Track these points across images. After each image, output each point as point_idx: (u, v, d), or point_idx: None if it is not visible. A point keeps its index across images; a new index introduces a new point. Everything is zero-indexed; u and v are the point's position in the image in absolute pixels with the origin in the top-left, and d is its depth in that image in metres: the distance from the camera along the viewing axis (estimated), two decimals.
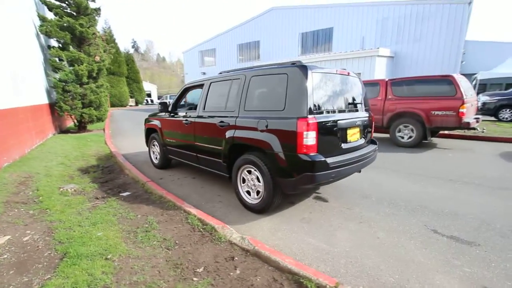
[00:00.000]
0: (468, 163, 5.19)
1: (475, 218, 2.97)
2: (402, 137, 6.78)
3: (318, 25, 19.02)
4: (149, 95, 45.72)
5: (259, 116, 2.96)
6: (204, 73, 26.72)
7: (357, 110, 3.29)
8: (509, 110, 10.68)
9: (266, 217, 3.07)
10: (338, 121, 2.91)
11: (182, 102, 4.96)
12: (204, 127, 3.75)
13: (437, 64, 14.85)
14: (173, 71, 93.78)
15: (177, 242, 2.46)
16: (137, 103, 35.83)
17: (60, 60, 8.23)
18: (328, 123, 2.79)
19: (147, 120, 5.46)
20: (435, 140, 7.47)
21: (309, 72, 2.71)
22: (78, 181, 4.34)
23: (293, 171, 2.70)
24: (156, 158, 5.23)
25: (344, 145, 3.01)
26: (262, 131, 2.89)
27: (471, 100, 6.41)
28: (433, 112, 6.25)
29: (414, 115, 6.52)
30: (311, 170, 2.61)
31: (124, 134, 9.98)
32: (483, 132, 7.48)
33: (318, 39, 19.33)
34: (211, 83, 3.82)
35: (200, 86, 4.24)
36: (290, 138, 2.67)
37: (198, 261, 2.18)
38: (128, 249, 2.32)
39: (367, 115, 3.49)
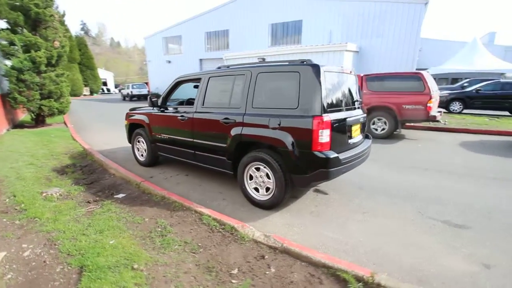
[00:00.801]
0: (436, 153, 5.80)
1: (457, 203, 3.37)
2: (376, 129, 7.29)
3: (287, 17, 19.16)
4: (104, 84, 42.27)
5: (270, 114, 2.96)
6: (169, 62, 25.45)
7: (356, 108, 3.46)
8: (459, 103, 12.05)
9: (275, 213, 3.13)
10: (347, 119, 3.05)
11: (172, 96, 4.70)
12: (205, 123, 3.63)
13: (397, 59, 16.03)
14: (130, 57, 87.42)
15: (199, 244, 2.41)
16: (92, 92, 32.97)
17: (12, 45, 7.16)
18: (339, 120, 2.90)
19: (129, 115, 5.10)
20: (402, 131, 8.17)
21: (322, 71, 2.77)
22: (58, 184, 3.93)
23: (308, 168, 2.79)
24: (142, 155, 4.94)
25: (350, 141, 3.17)
26: (274, 128, 2.91)
27: (436, 95, 7.11)
28: (404, 106, 6.81)
29: (387, 109, 7.03)
30: (326, 166, 2.72)
31: (89, 128, 9.20)
32: (445, 124, 8.37)
33: (288, 31, 19.53)
34: (210, 77, 3.69)
35: (196, 80, 4.07)
36: (305, 136, 2.73)
37: (229, 263, 2.16)
38: (152, 256, 2.21)
39: (364, 111, 3.69)
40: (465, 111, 12.20)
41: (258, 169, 3.18)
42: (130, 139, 5.17)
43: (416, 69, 16.77)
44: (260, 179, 3.18)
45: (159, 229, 2.66)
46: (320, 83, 2.73)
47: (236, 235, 2.53)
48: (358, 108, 3.49)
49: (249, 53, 17.51)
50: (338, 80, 3.10)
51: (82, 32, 69.84)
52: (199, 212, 2.92)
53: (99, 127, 9.50)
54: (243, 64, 3.59)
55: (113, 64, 63.59)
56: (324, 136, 2.69)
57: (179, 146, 4.08)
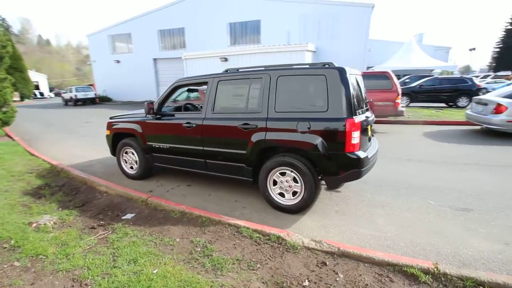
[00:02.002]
0: (409, 144, 6.44)
1: (451, 189, 3.79)
2: None
3: (246, 17, 19.18)
4: (37, 87, 37.03)
5: (297, 118, 2.94)
6: (118, 61, 23.45)
7: (367, 108, 3.64)
8: (406, 98, 13.54)
9: (303, 216, 3.13)
10: (368, 119, 3.19)
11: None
12: (218, 130, 3.44)
13: (350, 59, 17.22)
14: (63, 56, 78.08)
15: (253, 260, 2.28)
16: (22, 98, 28.60)
17: None
18: (364, 122, 3.02)
19: (111, 124, 4.56)
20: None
21: (348, 74, 2.85)
22: (41, 210, 3.33)
23: (340, 169, 2.85)
24: (132, 167, 4.47)
25: (369, 141, 3.33)
26: (303, 132, 2.89)
27: (400, 92, 7.88)
28: (376, 102, 7.39)
29: None
30: (358, 166, 2.81)
31: (42, 139, 8.01)
32: (408, 117, 9.32)
33: (247, 31, 19.57)
34: (219, 81, 3.50)
35: (198, 84, 3.84)
36: (337, 138, 2.78)
37: (295, 275, 2.10)
38: (212, 281, 2.01)
39: (372, 112, 3.90)
40: (411, 104, 13.78)
41: (283, 173, 3.13)
42: (114, 151, 4.63)
43: (367, 68, 18.43)
44: (286, 184, 3.14)
45: (199, 249, 2.44)
46: (348, 85, 2.80)
47: (285, 244, 2.46)
48: (368, 109, 3.68)
49: (211, 52, 17.10)
50: (356, 82, 3.22)
51: (1, 29, 59.98)
52: (234, 225, 2.76)
53: (54, 138, 8.30)
54: (256, 66, 3.48)
55: (45, 65, 55.97)
56: (356, 137, 2.77)
57: (185, 156, 3.80)
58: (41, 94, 37.62)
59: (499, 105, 6.42)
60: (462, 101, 12.98)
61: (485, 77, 28.27)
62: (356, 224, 2.93)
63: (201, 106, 4.83)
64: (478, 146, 6.01)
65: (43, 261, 2.31)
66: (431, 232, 2.75)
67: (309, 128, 2.87)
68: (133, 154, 4.38)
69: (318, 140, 2.83)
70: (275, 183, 3.22)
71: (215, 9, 19.68)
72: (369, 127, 3.45)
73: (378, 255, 2.19)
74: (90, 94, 21.29)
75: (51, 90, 43.57)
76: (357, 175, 2.86)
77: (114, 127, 4.51)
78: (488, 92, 15.24)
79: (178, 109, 4.50)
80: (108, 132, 4.66)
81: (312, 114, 2.89)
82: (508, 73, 41.02)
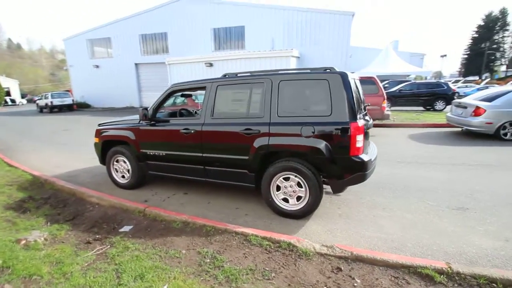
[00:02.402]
0: (397, 146, 6.64)
1: (444, 189, 3.93)
2: None
3: (230, 22, 19.24)
4: (8, 94, 34.93)
5: (300, 122, 2.93)
6: (97, 66, 22.67)
7: (366, 112, 3.70)
8: (387, 102, 14.03)
9: (307, 221, 3.10)
10: (369, 123, 3.24)
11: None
12: (218, 136, 3.36)
13: (332, 65, 17.67)
14: (36, 61, 74.32)
15: (267, 269, 2.21)
16: None
17: None
18: (366, 125, 3.06)
19: (100, 132, 4.34)
20: None
21: (350, 78, 2.89)
22: (27, 225, 3.08)
23: (345, 172, 2.86)
24: (124, 176, 4.27)
25: (368, 145, 3.38)
26: (307, 137, 2.89)
27: (386, 96, 8.15)
28: None
29: None
30: (363, 169, 2.84)
31: (17, 149, 7.55)
32: (393, 120, 9.64)
33: (231, 36, 19.61)
34: (218, 86, 3.43)
35: (195, 89, 3.76)
36: (342, 142, 2.79)
37: (312, 282, 2.05)
38: None
39: (369, 116, 3.97)
40: (391, 108, 14.30)
41: (287, 179, 3.10)
42: (104, 159, 4.40)
43: None
44: (290, 189, 3.11)
45: (208, 260, 2.34)
46: (350, 90, 2.83)
47: (296, 251, 2.41)
48: (366, 113, 3.75)
49: (195, 57, 16.94)
50: (355, 86, 3.27)
51: None
52: (241, 233, 2.68)
53: (31, 147, 7.80)
54: (256, 72, 3.45)
55: (16, 70, 52.96)
56: (360, 140, 2.80)
57: (183, 163, 3.67)
58: (13, 101, 35.54)
59: (477, 108, 6.79)
60: (439, 105, 13.65)
61: (456, 81, 30.01)
62: (361, 227, 2.95)
63: (195, 112, 4.75)
64: (461, 147, 6.31)
65: (38, 282, 2.11)
66: (434, 232, 2.81)
67: (313, 133, 2.87)
68: (124, 162, 4.18)
69: (323, 144, 2.84)
70: (278, 188, 3.18)
71: (199, 14, 19.59)
72: (368, 130, 3.51)
73: (392, 258, 2.20)
74: (67, 101, 20.34)
75: (23, 96, 41.29)
76: (362, 178, 2.89)
77: (104, 134, 4.29)
78: (460, 96, 16.20)
79: (172, 114, 4.36)
80: (96, 140, 4.43)
81: (316, 119, 2.89)
82: (476, 78, 43.86)
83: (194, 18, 19.74)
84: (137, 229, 2.96)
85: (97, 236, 2.83)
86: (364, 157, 2.85)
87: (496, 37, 51.65)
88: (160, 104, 3.87)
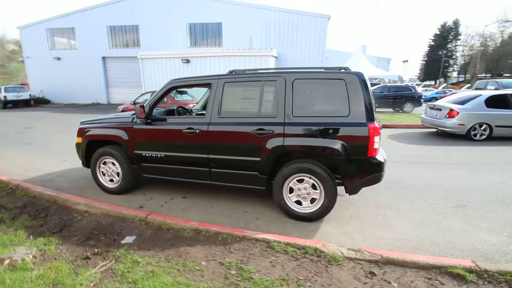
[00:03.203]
0: (382, 146, 6.88)
1: (437, 187, 4.12)
2: None
3: (207, 18, 18.75)
4: None
5: (317, 122, 2.85)
6: (58, 58, 20.78)
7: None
8: None
9: (321, 224, 3.04)
10: (380, 124, 3.25)
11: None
12: (227, 136, 3.16)
13: (308, 66, 18.14)
14: None
15: (300, 278, 2.09)
16: None
17: None
18: (379, 126, 3.07)
19: (84, 130, 3.89)
20: None
21: (366, 78, 2.87)
22: (8, 241, 2.62)
23: (362, 173, 2.84)
24: (112, 180, 3.87)
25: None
26: (325, 138, 2.82)
27: None
28: None
29: None
30: (379, 170, 2.85)
31: None
32: None
33: (208, 33, 19.14)
34: (225, 83, 3.22)
35: (199, 85, 3.50)
36: (360, 143, 2.77)
37: None
38: None
39: None
40: None
41: (300, 180, 3.01)
42: (88, 161, 3.95)
43: None
44: (304, 191, 3.02)
45: (234, 272, 2.16)
46: (367, 90, 2.81)
47: (324, 257, 2.32)
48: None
49: (171, 53, 16.27)
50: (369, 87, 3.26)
51: None
52: (262, 240, 2.53)
53: None
54: (266, 69, 3.31)
55: None
56: (377, 142, 2.80)
57: (184, 165, 3.41)
58: None
59: (451, 110, 7.31)
60: (407, 107, 14.56)
61: (417, 85, 32.46)
62: (375, 228, 2.95)
63: (191, 110, 4.46)
64: (439, 147, 6.74)
65: None
66: (443, 230, 2.90)
67: (331, 133, 2.80)
68: (113, 164, 3.79)
69: (340, 145, 2.78)
70: (291, 190, 3.08)
71: (174, 8, 18.82)
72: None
73: (421, 259, 2.21)
74: (24, 95, 18.31)
75: None
76: (377, 179, 2.89)
77: (89, 133, 3.85)
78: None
79: (170, 113, 4.04)
80: (79, 140, 3.97)
81: (333, 119, 2.83)
82: (433, 82, 47.80)
83: (169, 12, 18.92)
84: (141, 240, 2.66)
85: (96, 250, 2.49)
86: (381, 158, 2.86)
87: (449, 45, 56.73)
88: (157, 101, 3.55)
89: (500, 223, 3.03)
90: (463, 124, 7.17)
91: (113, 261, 2.32)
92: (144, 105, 3.45)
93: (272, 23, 18.11)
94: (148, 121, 3.51)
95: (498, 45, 47.99)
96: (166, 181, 3.73)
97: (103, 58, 20.34)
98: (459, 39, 56.09)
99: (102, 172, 3.91)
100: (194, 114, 4.26)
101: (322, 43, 17.87)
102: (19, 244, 2.59)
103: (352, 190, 2.95)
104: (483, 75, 43.39)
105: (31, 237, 2.74)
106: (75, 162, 5.42)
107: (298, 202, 3.08)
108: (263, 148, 3.00)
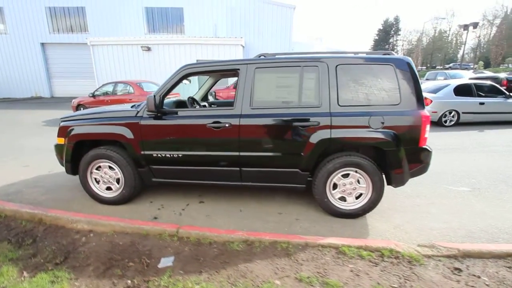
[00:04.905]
0: None
1: (443, 173, 4.26)
2: None
3: (166, 2, 17.25)
4: None
5: (367, 112, 2.63)
6: None
7: None
8: None
9: (365, 219, 2.87)
10: None
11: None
12: (264, 130, 2.76)
13: None
14: None
15: (394, 286, 1.87)
16: None
17: None
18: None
19: (68, 129, 3.11)
20: None
21: (413, 63, 2.73)
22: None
23: (412, 164, 2.72)
24: (110, 188, 3.19)
25: None
26: (376, 128, 2.62)
27: None
28: None
29: None
30: (428, 160, 2.76)
31: None
32: None
33: (168, 19, 17.69)
34: (256, 68, 2.80)
35: (222, 71, 3.02)
36: (412, 132, 2.64)
37: None
38: None
39: None
40: None
41: (346, 175, 2.79)
42: (74, 167, 3.19)
43: None
44: (349, 186, 2.81)
45: (317, 282, 1.85)
46: (416, 76, 2.68)
47: (403, 258, 2.14)
48: None
49: (129, 39, 14.67)
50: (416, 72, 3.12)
51: None
52: (329, 246, 2.25)
53: None
54: (301, 53, 2.96)
55: None
56: (427, 130, 2.69)
57: (209, 165, 2.92)
58: None
59: (425, 99, 7.80)
60: None
61: None
62: (420, 218, 2.90)
63: (192, 101, 3.90)
64: None
65: None
66: (479, 215, 2.96)
67: (383, 123, 2.61)
68: (111, 169, 3.11)
69: (393, 136, 2.61)
70: (334, 186, 2.84)
71: None
72: None
73: (495, 248, 2.18)
74: None
75: None
76: (425, 169, 2.81)
77: (76, 132, 3.08)
78: None
79: (180, 105, 3.43)
80: (61, 141, 3.17)
81: (383, 108, 2.64)
82: None
83: None
84: (183, 261, 2.17)
85: (130, 282, 1.95)
86: (429, 147, 2.76)
87: (391, 40, 62.08)
88: (169, 90, 2.97)
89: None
90: (436, 112, 7.73)
91: None
92: (154, 95, 2.84)
93: (238, 11, 17.45)
94: (158, 115, 2.92)
95: (431, 40, 54.08)
96: (171, 184, 3.20)
97: (42, 44, 17.45)
98: (399, 34, 61.68)
99: (95, 179, 3.19)
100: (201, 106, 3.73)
101: (288, 33, 17.85)
102: (10, 285, 1.90)
103: (400, 182, 2.81)
104: (419, 67, 48.53)
105: (24, 273, 2.04)
106: (40, 167, 4.50)
107: (342, 199, 2.87)
108: (307, 142, 2.69)
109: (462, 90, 7.87)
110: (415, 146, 2.66)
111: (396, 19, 60.31)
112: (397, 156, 2.66)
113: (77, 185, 3.56)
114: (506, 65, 37.54)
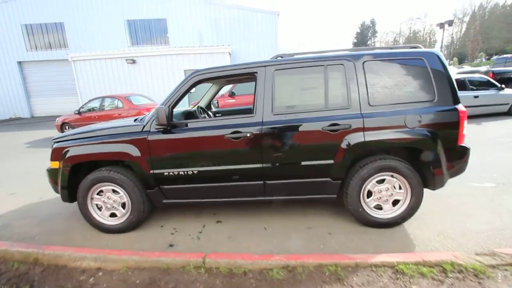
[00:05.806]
0: None
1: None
2: None
3: (148, 14, 16.93)
4: None
5: (402, 110, 2.42)
6: None
7: None
8: None
9: (402, 227, 2.64)
10: None
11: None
12: (290, 137, 2.49)
13: None
14: None
15: None
16: None
17: None
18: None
19: (64, 151, 2.73)
20: None
21: (442, 56, 2.55)
22: None
23: (451, 163, 2.52)
24: (114, 214, 2.81)
25: None
26: (413, 127, 2.40)
27: None
28: None
29: None
30: (467, 158, 2.57)
31: None
32: None
33: (152, 30, 17.34)
34: (275, 70, 2.55)
35: (237, 76, 2.74)
36: (450, 130, 2.45)
37: None
38: None
39: None
40: None
41: (382, 181, 2.55)
42: (72, 193, 2.79)
43: None
44: (385, 193, 2.56)
45: None
46: (448, 69, 2.50)
47: (467, 271, 1.89)
48: None
49: (112, 53, 14.18)
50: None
51: None
52: (382, 265, 1.97)
53: None
54: (323, 51, 2.73)
55: None
56: (465, 127, 2.50)
57: (229, 180, 2.61)
58: None
59: None
60: None
61: None
62: (459, 221, 2.70)
63: (201, 110, 3.60)
64: None
65: None
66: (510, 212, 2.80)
67: (420, 122, 2.40)
68: (115, 192, 2.74)
69: (431, 135, 2.41)
70: (369, 194, 2.59)
71: (107, 2, 16.44)
72: None
73: None
74: None
75: None
76: (463, 169, 2.61)
77: (73, 154, 2.70)
78: None
79: (189, 116, 3.11)
80: (55, 165, 2.78)
81: (418, 105, 2.44)
82: None
83: (101, 7, 16.48)
84: None
85: None
86: (467, 144, 2.57)
87: (369, 42, 63.97)
88: (178, 100, 2.66)
89: None
90: None
91: None
92: (163, 106, 2.51)
93: (222, 20, 17.32)
94: (168, 128, 2.59)
95: (406, 41, 56.08)
96: (182, 205, 2.87)
97: (19, 63, 16.61)
98: (376, 36, 63.73)
99: (97, 205, 2.80)
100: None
101: (274, 40, 17.84)
102: None
103: (440, 183, 2.59)
104: None
105: None
106: (28, 193, 4.05)
107: (377, 207, 2.62)
108: (338, 147, 2.44)
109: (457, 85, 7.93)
110: (454, 144, 2.46)
111: (373, 22, 62.40)
112: (436, 156, 2.45)
113: (74, 212, 3.17)
114: (479, 59, 39.25)
